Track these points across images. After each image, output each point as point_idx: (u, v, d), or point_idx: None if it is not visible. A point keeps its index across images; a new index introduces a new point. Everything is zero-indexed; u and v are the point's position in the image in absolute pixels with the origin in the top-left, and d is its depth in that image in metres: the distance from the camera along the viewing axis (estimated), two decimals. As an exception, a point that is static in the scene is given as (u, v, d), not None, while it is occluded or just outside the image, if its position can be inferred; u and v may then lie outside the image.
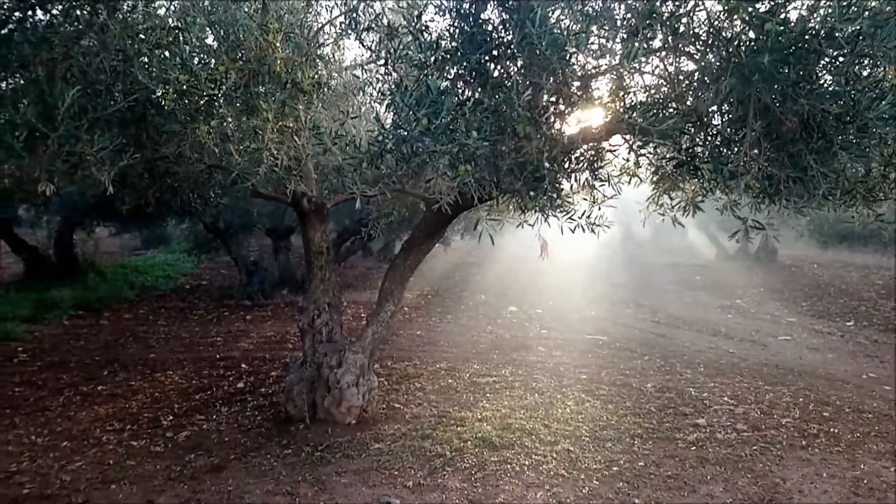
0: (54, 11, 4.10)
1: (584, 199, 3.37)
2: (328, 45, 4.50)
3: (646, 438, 5.47)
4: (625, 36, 3.22)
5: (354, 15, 4.01)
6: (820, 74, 3.09)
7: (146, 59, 3.82)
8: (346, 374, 5.69)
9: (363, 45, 3.97)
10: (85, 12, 4.02)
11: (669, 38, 3.26)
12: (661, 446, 5.33)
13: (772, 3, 3.07)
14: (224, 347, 8.90)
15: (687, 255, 22.64)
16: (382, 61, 3.50)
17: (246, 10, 3.71)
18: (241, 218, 12.09)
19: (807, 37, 2.95)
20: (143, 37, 4.01)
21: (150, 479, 4.69)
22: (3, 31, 4.03)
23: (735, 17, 3.16)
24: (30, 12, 4.12)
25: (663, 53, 3.36)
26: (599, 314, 11.73)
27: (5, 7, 4.10)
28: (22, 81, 3.86)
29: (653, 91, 3.26)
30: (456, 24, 3.18)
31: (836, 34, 2.83)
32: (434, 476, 4.73)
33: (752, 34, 3.17)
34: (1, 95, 4.03)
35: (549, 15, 2.96)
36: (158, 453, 5.15)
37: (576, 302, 13.00)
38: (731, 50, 3.13)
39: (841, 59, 2.99)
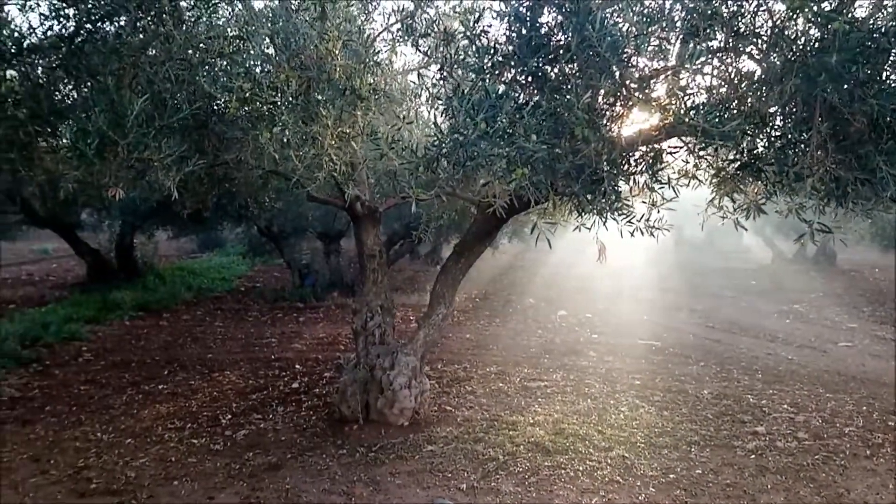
0: (122, 23, 4.26)
1: (643, 202, 3.34)
2: (385, 51, 4.57)
3: (703, 446, 5.37)
4: (683, 37, 3.19)
5: (410, 21, 4.06)
6: (889, 73, 2.99)
7: (209, 68, 3.94)
8: (399, 376, 5.74)
9: (419, 51, 4.02)
10: (151, 23, 4.17)
11: (730, 38, 3.20)
12: (718, 454, 5.23)
13: (837, 2, 3.00)
14: (278, 348, 9.08)
15: (742, 259, 22.12)
16: (439, 66, 3.53)
17: (306, 18, 3.79)
18: (293, 222, 12.33)
19: (875, 35, 2.86)
20: (203, 46, 4.14)
21: (210, 476, 4.82)
22: (74, 43, 4.21)
23: (799, 16, 3.09)
24: (99, 24, 4.29)
25: (723, 54, 3.31)
26: (652, 319, 11.55)
27: (76, 19, 4.28)
28: (92, 90, 4.01)
29: (713, 92, 3.21)
30: (513, 28, 3.19)
31: (907, 31, 2.74)
32: (487, 479, 4.73)
33: (816, 33, 3.10)
34: (73, 104, 4.22)
35: (607, 17, 2.94)
36: (218, 451, 5.29)
37: (627, 306, 12.83)
38: (795, 50, 3.06)
39: (912, 57, 2.90)
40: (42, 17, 4.27)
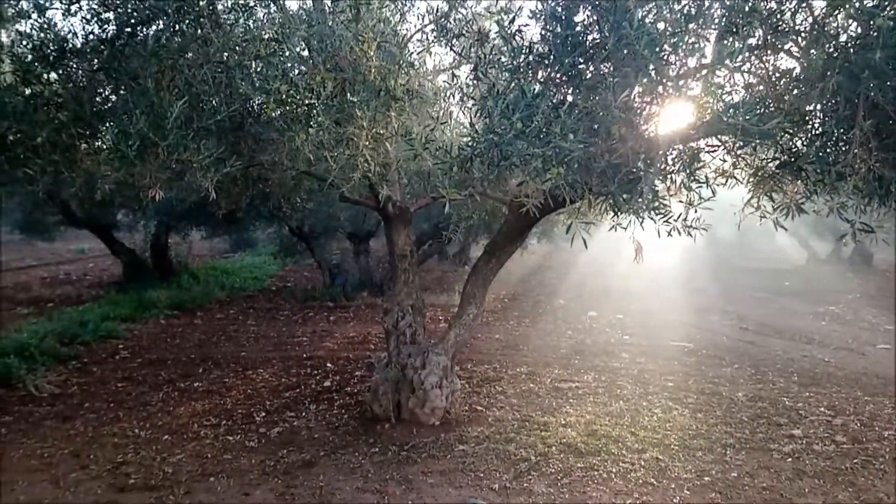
0: (160, 26, 4.34)
1: (680, 202, 3.30)
2: (419, 52, 4.59)
3: (738, 448, 5.30)
4: (721, 34, 3.15)
5: (444, 22, 4.07)
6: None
7: (246, 71, 3.99)
8: (430, 376, 5.76)
9: (453, 51, 4.03)
10: (189, 26, 4.23)
11: (769, 35, 3.16)
12: (754, 457, 5.15)
13: (880, -3, 2.94)
14: (310, 347, 9.16)
15: (775, 260, 21.74)
16: (472, 66, 3.53)
17: (341, 20, 3.83)
18: (324, 222, 12.41)
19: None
20: (240, 48, 4.20)
21: (245, 473, 4.88)
22: (115, 46, 4.30)
23: (840, 12, 3.04)
24: (139, 28, 4.38)
25: (762, 51, 3.26)
26: (683, 320, 11.41)
27: (116, 23, 4.37)
28: (132, 93, 4.08)
29: (752, 90, 3.17)
30: (548, 27, 3.18)
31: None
32: (520, 480, 4.73)
33: (858, 29, 3.04)
34: (114, 106, 4.31)
35: (645, 15, 2.93)
36: (252, 448, 5.36)
37: (658, 307, 12.69)
38: (836, 46, 3.01)
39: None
40: (84, 20, 4.38)
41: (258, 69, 4.01)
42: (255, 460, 5.10)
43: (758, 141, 2.93)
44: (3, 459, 5.19)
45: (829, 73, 2.89)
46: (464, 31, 3.95)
